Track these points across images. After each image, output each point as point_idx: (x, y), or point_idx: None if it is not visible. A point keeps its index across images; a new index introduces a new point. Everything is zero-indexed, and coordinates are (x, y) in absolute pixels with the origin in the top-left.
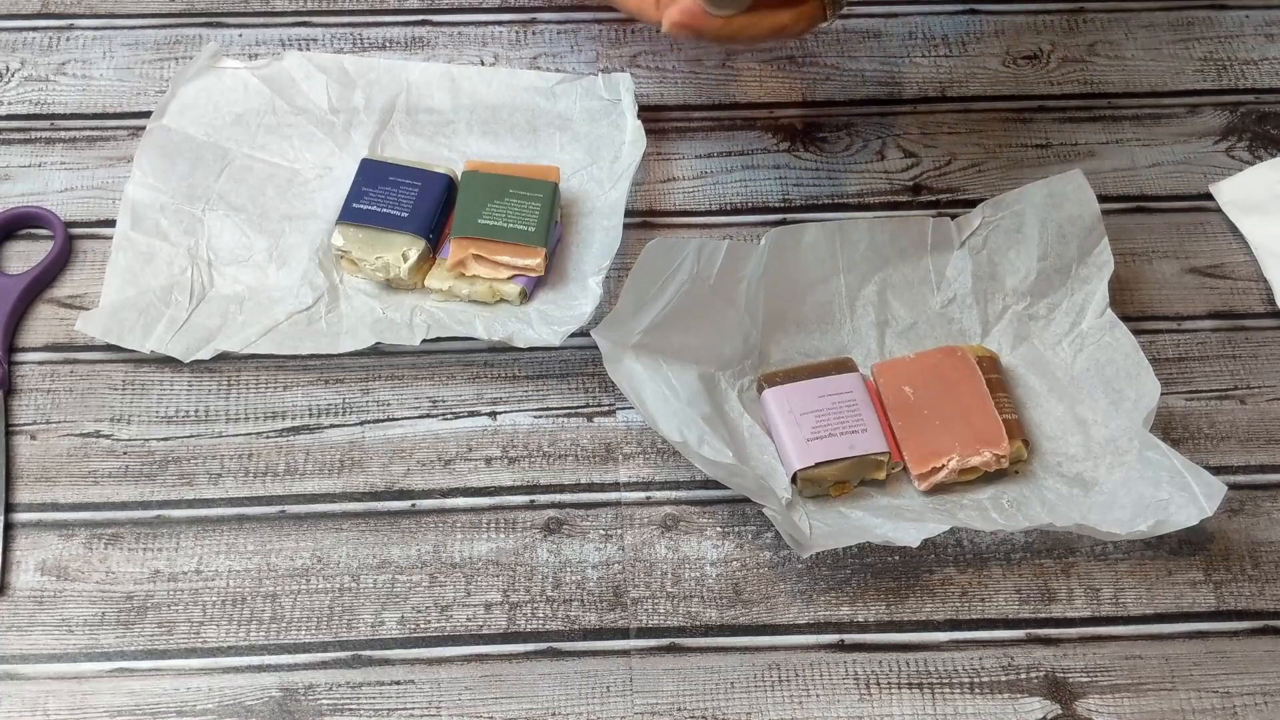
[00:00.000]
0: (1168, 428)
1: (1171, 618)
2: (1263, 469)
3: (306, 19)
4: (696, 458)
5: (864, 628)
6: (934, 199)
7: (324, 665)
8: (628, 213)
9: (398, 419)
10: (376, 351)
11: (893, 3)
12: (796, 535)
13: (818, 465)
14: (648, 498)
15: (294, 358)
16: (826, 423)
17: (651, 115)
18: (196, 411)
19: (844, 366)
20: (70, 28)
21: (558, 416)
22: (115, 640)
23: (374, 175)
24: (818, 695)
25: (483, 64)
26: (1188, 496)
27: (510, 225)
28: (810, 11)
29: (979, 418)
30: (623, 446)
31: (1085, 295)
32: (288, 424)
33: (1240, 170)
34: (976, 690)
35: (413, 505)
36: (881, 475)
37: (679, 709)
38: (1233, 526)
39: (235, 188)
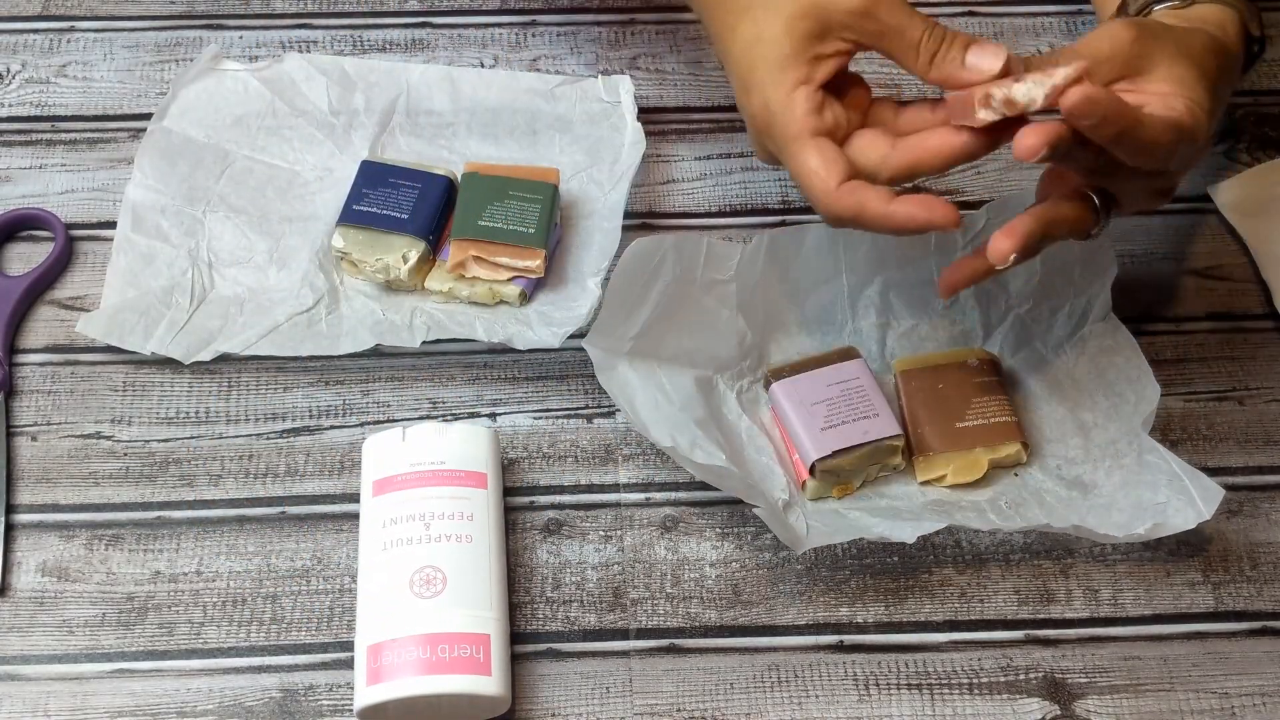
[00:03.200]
0: (1166, 429)
1: (1170, 619)
2: (1261, 470)
3: (307, 21)
4: (687, 462)
5: (863, 629)
6: None
7: (324, 666)
8: (627, 214)
9: (398, 420)
10: (376, 353)
11: None
12: (788, 535)
13: (835, 454)
14: (647, 499)
15: (294, 359)
16: (838, 411)
17: (651, 117)
18: (197, 413)
19: (847, 355)
20: (71, 30)
21: (557, 418)
22: (116, 641)
23: (374, 177)
24: (817, 696)
25: (483, 66)
26: (1185, 500)
27: (510, 227)
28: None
29: None
30: (622, 448)
31: (1088, 299)
32: (288, 425)
33: (1238, 172)
34: (975, 691)
35: None
36: (897, 460)
37: (678, 710)
38: (1231, 528)
39: (236, 189)
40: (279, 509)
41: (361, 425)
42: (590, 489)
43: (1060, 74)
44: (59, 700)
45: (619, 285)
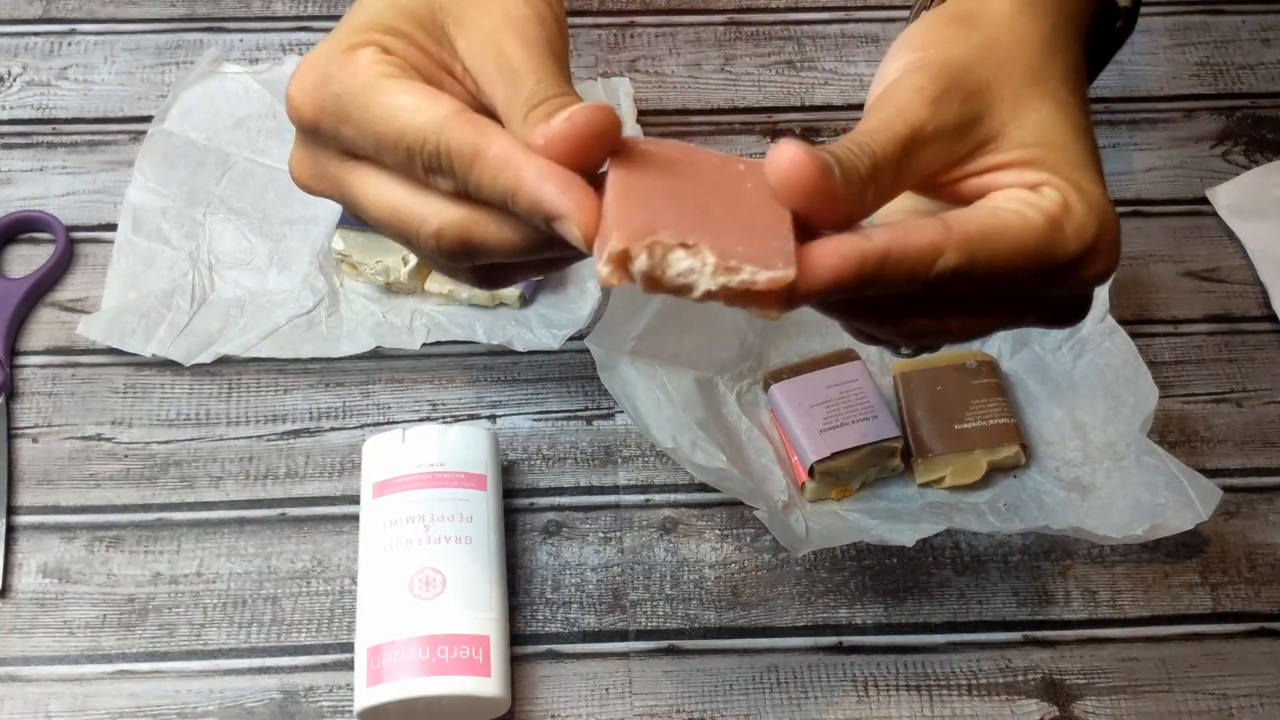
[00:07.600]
0: (1164, 431)
1: (1168, 620)
2: (1259, 472)
3: (307, 24)
4: (688, 464)
5: (862, 630)
6: None
7: (324, 667)
8: None
9: (398, 422)
10: (376, 355)
11: (891, 7)
12: (787, 537)
13: (834, 456)
14: (647, 500)
15: (294, 361)
16: (837, 413)
17: (650, 119)
18: (197, 415)
19: (846, 357)
20: (72, 32)
21: (557, 419)
22: (117, 642)
23: None
24: (816, 697)
25: None
26: (1183, 501)
27: None
28: None
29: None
30: (622, 449)
31: None
32: (288, 427)
33: (1236, 175)
34: (974, 692)
35: None
36: (896, 462)
37: (678, 711)
38: (1229, 529)
39: (236, 192)
40: (279, 511)
41: (361, 427)
42: (590, 490)
43: (763, 278)
44: (60, 701)
45: (624, 287)
